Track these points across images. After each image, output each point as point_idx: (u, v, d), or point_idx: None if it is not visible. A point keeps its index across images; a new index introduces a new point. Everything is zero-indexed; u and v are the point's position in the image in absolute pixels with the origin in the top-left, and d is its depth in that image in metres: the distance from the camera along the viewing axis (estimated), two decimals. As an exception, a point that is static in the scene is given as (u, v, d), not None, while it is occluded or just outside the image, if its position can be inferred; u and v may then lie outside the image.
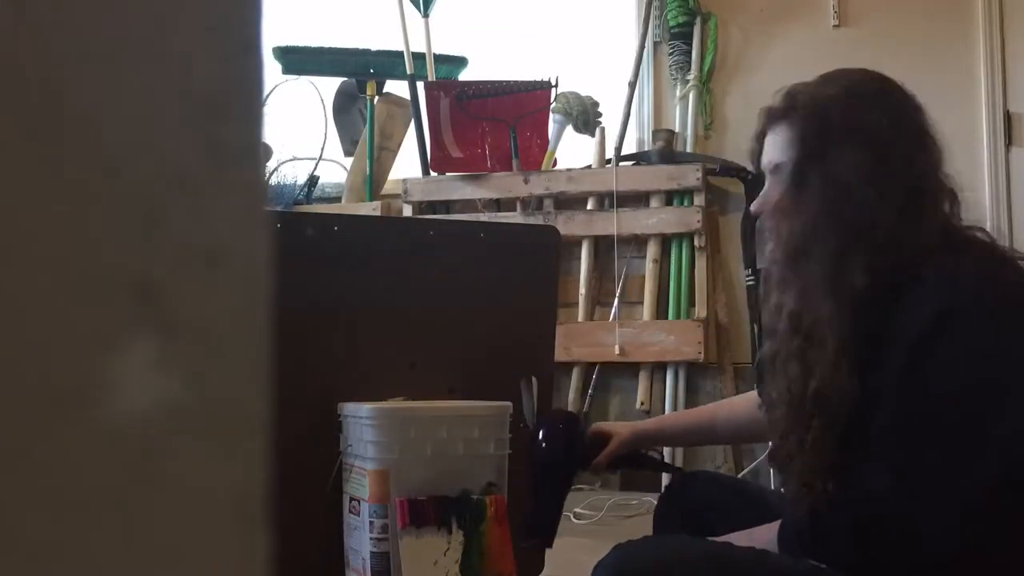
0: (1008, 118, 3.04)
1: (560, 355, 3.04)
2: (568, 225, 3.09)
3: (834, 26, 3.15)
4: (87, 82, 0.26)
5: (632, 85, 3.18)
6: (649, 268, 3.11)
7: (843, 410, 1.03)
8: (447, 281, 1.59)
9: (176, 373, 0.27)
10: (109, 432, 0.26)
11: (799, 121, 1.11)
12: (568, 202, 3.22)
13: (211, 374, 0.29)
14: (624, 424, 1.49)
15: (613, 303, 3.11)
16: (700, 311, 3.03)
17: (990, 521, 0.98)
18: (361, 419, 1.41)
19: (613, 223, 3.11)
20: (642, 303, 3.12)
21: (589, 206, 3.19)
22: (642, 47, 3.20)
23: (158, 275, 0.27)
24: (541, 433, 1.45)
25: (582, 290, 3.14)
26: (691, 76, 3.22)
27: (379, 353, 1.56)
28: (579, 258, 3.16)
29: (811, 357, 1.06)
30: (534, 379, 1.69)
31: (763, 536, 1.10)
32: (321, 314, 1.55)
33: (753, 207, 1.19)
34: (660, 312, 3.10)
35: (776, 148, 1.13)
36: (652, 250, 3.11)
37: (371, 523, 1.39)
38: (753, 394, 1.39)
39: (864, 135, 1.06)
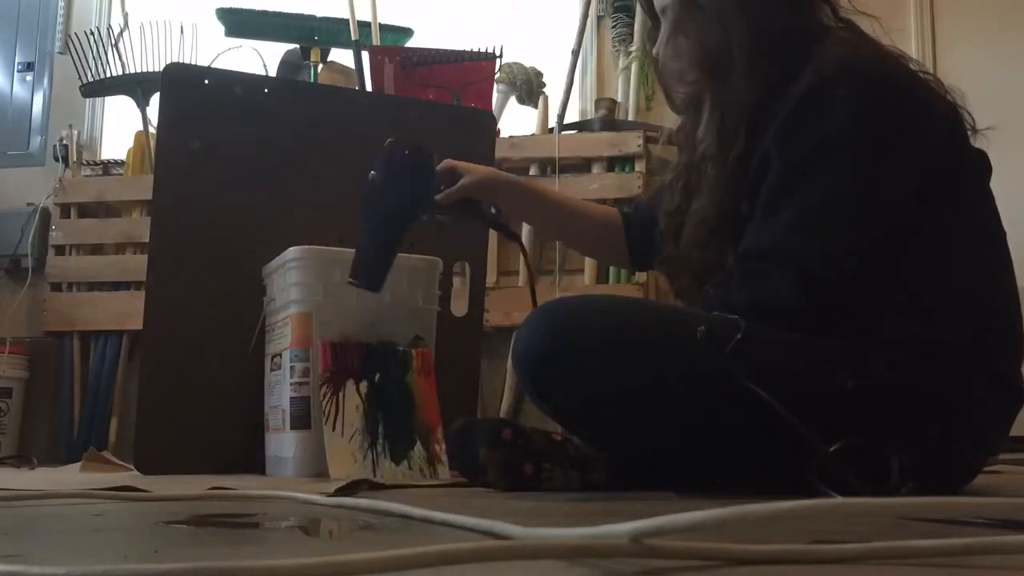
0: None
1: (502, 320, 3.01)
2: (510, 191, 3.08)
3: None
4: None
5: (575, 53, 3.21)
6: (591, 234, 3.10)
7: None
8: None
9: None
10: None
11: None
12: (511, 169, 3.20)
13: None
14: (482, 168, 1.35)
15: (555, 270, 3.09)
16: (640, 275, 3.03)
17: (889, 243, 1.06)
18: (287, 262, 1.36)
19: (555, 189, 3.11)
20: (582, 271, 3.11)
21: (531, 172, 3.18)
22: (585, 16, 3.24)
23: None
24: (383, 160, 1.24)
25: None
26: (634, 48, 3.26)
27: (306, 222, 1.52)
28: (521, 225, 3.14)
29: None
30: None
31: None
32: (247, 175, 1.51)
33: (654, 50, 1.25)
34: (601, 278, 3.09)
35: None
36: (594, 216, 3.11)
37: (291, 368, 1.33)
38: (613, 212, 1.46)
39: None
